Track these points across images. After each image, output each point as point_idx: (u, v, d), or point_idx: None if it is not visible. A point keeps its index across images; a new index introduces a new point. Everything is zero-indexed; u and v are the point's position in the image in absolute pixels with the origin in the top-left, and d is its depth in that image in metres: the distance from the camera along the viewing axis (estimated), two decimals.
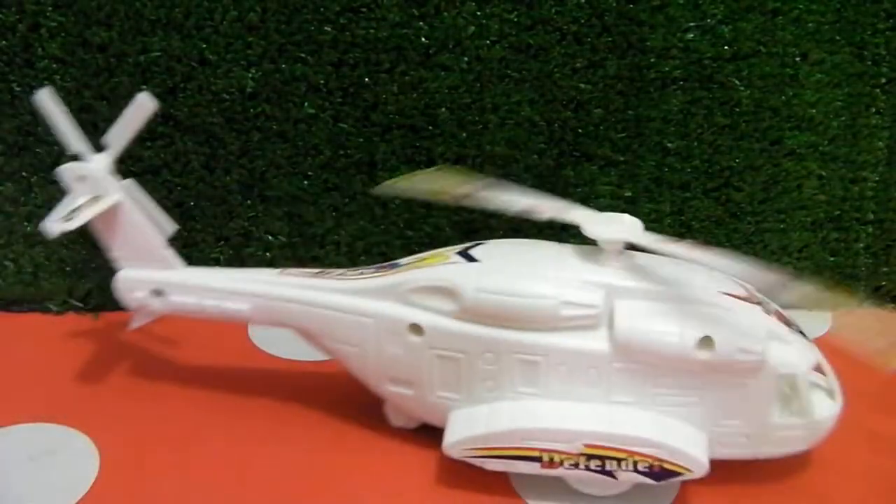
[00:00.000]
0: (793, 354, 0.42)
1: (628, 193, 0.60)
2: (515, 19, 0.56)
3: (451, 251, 0.46)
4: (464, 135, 0.59)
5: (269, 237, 0.62)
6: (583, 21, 0.56)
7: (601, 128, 0.59)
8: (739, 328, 0.41)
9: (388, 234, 0.62)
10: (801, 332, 0.45)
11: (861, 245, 0.63)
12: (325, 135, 0.59)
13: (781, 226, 0.62)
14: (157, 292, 0.50)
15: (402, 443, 0.50)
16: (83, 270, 0.63)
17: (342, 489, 0.47)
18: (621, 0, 0.56)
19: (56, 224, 0.47)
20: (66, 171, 0.49)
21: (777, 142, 0.60)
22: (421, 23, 0.56)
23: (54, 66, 0.57)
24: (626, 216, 0.45)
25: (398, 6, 0.56)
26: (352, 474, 0.48)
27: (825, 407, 0.44)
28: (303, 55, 0.57)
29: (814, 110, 0.59)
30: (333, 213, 0.61)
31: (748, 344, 0.41)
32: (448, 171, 0.49)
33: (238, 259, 0.62)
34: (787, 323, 0.44)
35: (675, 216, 0.61)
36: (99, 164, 0.49)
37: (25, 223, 0.62)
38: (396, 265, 0.47)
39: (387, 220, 0.62)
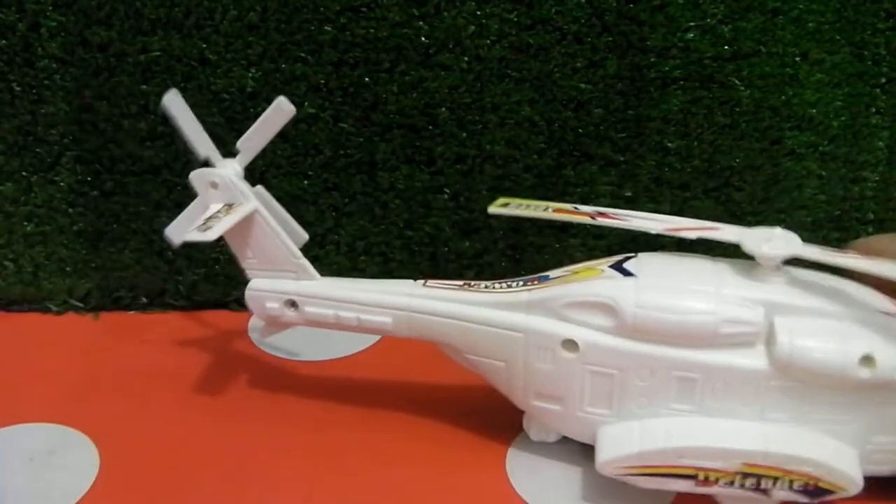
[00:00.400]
0: None
1: (628, 193, 0.60)
2: (515, 19, 0.56)
3: (603, 264, 0.45)
4: (464, 135, 0.59)
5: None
6: (583, 21, 0.56)
7: (601, 128, 0.59)
8: None
9: (388, 234, 0.62)
10: None
11: None
12: (325, 135, 0.59)
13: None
14: (292, 303, 0.49)
15: (402, 443, 0.49)
16: (83, 270, 0.63)
17: (342, 489, 0.47)
18: (621, 0, 0.56)
19: (191, 233, 0.45)
20: (197, 177, 0.48)
21: (777, 142, 0.60)
22: (421, 23, 0.56)
23: (54, 65, 0.57)
24: (779, 230, 0.44)
25: (398, 6, 0.56)
26: (352, 474, 0.47)
27: None
28: (303, 55, 0.57)
29: (814, 110, 0.59)
30: (333, 213, 0.61)
31: None
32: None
33: None
34: None
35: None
36: (231, 170, 0.48)
37: (25, 223, 0.62)
38: (546, 278, 0.46)
39: (387, 220, 0.62)
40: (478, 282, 0.47)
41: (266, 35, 0.57)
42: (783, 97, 0.58)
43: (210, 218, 0.46)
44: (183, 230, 0.48)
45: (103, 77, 0.57)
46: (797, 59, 0.58)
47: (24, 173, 0.60)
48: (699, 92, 0.58)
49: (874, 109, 0.60)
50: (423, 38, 0.56)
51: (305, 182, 0.60)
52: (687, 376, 0.42)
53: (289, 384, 0.55)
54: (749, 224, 0.62)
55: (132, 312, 0.64)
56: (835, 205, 0.62)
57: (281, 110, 0.47)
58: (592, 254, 0.62)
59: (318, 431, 0.51)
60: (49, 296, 0.64)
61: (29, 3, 0.56)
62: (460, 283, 0.47)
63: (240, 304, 0.64)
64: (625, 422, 0.43)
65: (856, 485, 0.41)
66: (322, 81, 0.58)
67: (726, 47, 0.57)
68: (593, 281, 0.44)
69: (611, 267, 0.44)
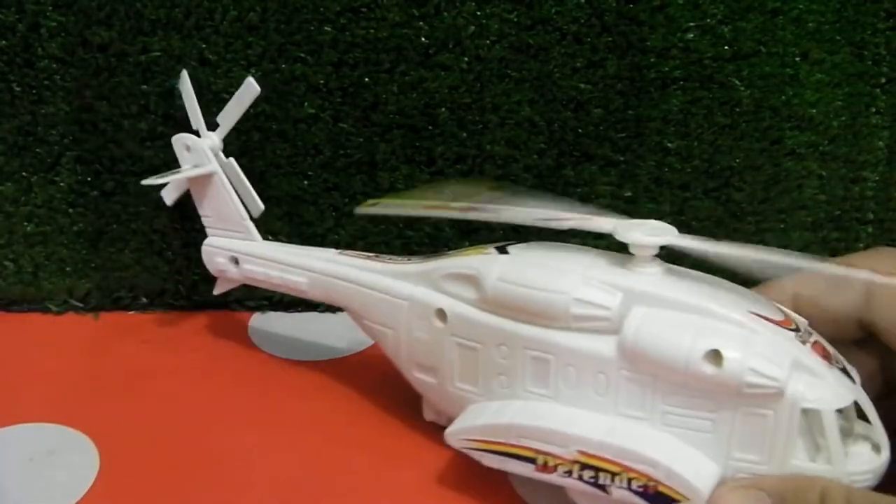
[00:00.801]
0: (822, 390, 0.38)
1: (628, 193, 0.60)
2: (515, 19, 0.56)
3: (492, 245, 0.46)
4: (464, 135, 0.59)
5: (269, 237, 0.62)
6: (583, 21, 0.56)
7: (601, 128, 0.59)
8: (758, 349, 0.37)
9: (388, 234, 0.62)
10: (846, 371, 0.40)
11: (861, 245, 0.63)
12: (325, 135, 0.59)
13: (782, 226, 0.62)
14: (235, 260, 0.55)
15: (402, 443, 0.49)
16: (83, 270, 0.63)
17: (342, 488, 0.47)
18: (621, 0, 0.56)
19: (150, 179, 0.53)
20: (176, 140, 0.55)
21: (777, 142, 0.60)
22: (421, 23, 0.56)
23: (54, 66, 0.57)
24: (656, 221, 0.43)
25: (398, 6, 0.56)
26: (352, 473, 0.47)
27: (864, 459, 0.39)
28: (303, 55, 0.57)
29: (814, 110, 0.59)
30: (333, 213, 0.61)
31: (762, 366, 0.37)
32: (445, 185, 0.51)
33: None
34: (828, 357, 0.39)
35: (675, 216, 0.61)
36: (205, 140, 0.54)
37: (25, 223, 0.62)
38: (441, 254, 0.48)
39: (387, 220, 0.62)
40: (387, 255, 0.51)
41: (266, 35, 0.57)
42: (783, 97, 0.58)
43: (172, 171, 0.54)
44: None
45: (103, 77, 0.57)
46: (797, 59, 0.58)
47: (24, 173, 0.60)
48: (699, 92, 0.58)
49: (874, 109, 0.60)
50: (423, 38, 0.56)
51: (305, 182, 0.60)
52: (541, 356, 0.42)
53: (289, 384, 0.55)
54: (749, 224, 0.62)
55: (132, 312, 0.64)
56: (835, 205, 0.62)
57: (249, 88, 0.53)
58: None
59: (318, 431, 0.51)
60: (49, 296, 0.64)
61: (29, 3, 0.56)
62: (370, 254, 0.51)
63: (240, 304, 0.64)
64: (491, 401, 0.44)
65: (700, 497, 0.38)
66: (322, 81, 0.58)
67: (726, 47, 0.57)
68: (472, 257, 0.45)
69: (495, 247, 0.45)
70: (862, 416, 0.39)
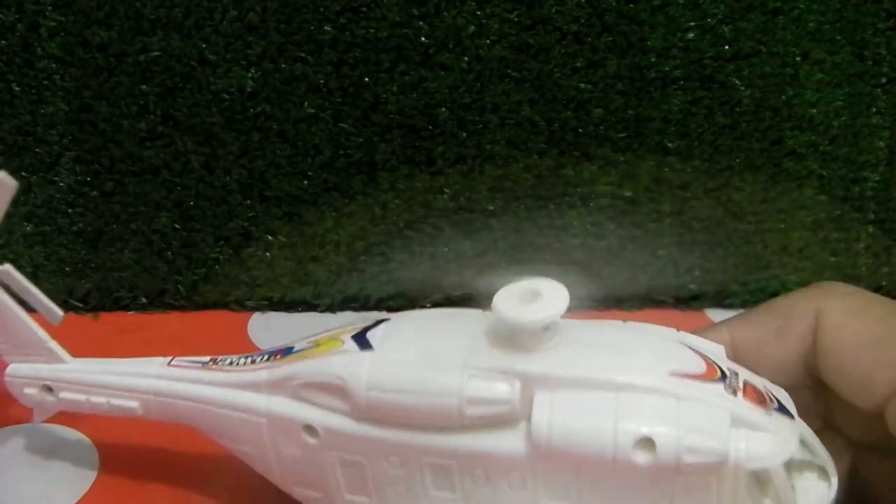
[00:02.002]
0: (766, 444, 0.33)
1: (628, 193, 0.60)
2: (515, 19, 0.56)
3: (346, 333, 0.38)
4: (464, 135, 0.59)
5: (269, 237, 0.62)
6: (583, 21, 0.56)
7: (601, 128, 0.59)
8: (691, 421, 0.32)
9: (388, 234, 0.62)
10: (781, 406, 0.36)
11: (861, 245, 0.63)
12: (325, 135, 0.59)
13: (782, 226, 0.62)
14: (48, 388, 0.45)
15: None
16: (83, 270, 0.63)
17: None
18: (621, 0, 0.56)
19: None
20: None
21: (777, 142, 0.60)
22: (421, 23, 0.56)
23: (54, 66, 0.57)
24: (549, 283, 0.36)
25: (398, 6, 0.56)
26: None
27: (815, 495, 0.35)
28: (303, 55, 0.57)
29: (814, 110, 0.59)
30: (333, 213, 0.61)
31: (701, 442, 0.32)
32: None
33: (238, 259, 0.62)
34: (763, 401, 0.35)
35: (675, 216, 0.61)
36: None
37: (25, 223, 0.62)
38: (290, 351, 0.40)
39: (387, 220, 0.61)
40: (224, 356, 0.42)
41: (266, 35, 0.57)
42: (783, 97, 0.58)
43: None
44: None
45: (103, 77, 0.57)
46: (797, 59, 0.58)
47: (23, 173, 0.60)
48: (699, 92, 0.58)
49: (874, 109, 0.60)
50: (423, 38, 0.56)
51: (305, 182, 0.60)
52: (440, 463, 0.35)
53: None
54: (749, 224, 0.62)
55: (132, 312, 0.64)
56: (835, 205, 0.62)
57: (4, 185, 0.45)
58: (592, 254, 0.62)
59: None
60: (49, 296, 0.63)
61: (29, 3, 0.56)
62: (206, 359, 0.43)
63: (240, 304, 0.64)
64: None
65: None
66: (322, 81, 0.58)
67: (726, 47, 0.57)
68: (329, 356, 0.37)
69: (352, 337, 0.38)
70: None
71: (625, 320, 0.39)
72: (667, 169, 0.60)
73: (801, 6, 0.56)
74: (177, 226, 0.61)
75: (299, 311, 0.64)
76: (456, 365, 0.34)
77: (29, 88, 0.58)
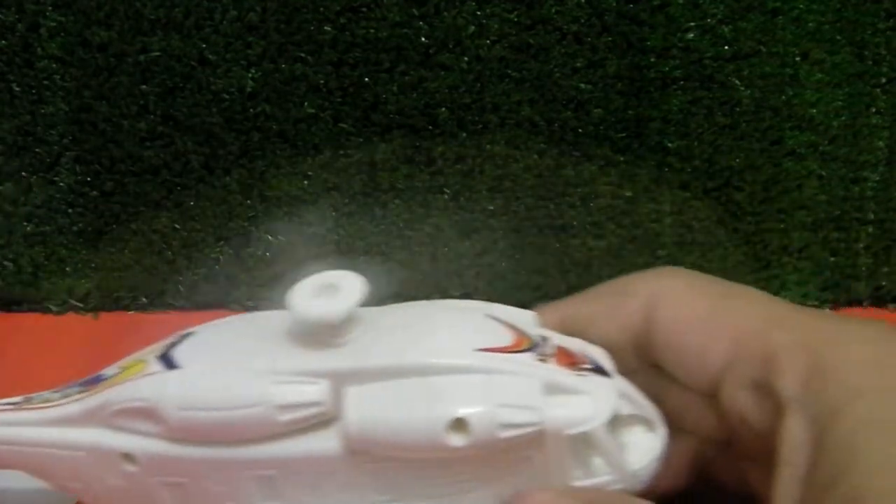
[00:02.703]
0: (583, 407, 0.33)
1: (628, 193, 0.60)
2: (515, 19, 0.56)
3: (152, 353, 0.37)
4: (464, 135, 0.59)
5: (269, 237, 0.62)
6: (583, 21, 0.56)
7: (601, 128, 0.59)
8: (502, 395, 0.32)
9: (388, 234, 0.62)
10: (597, 366, 0.35)
11: (861, 245, 0.63)
12: (325, 135, 0.59)
13: (781, 226, 0.62)
14: None
15: None
16: (83, 270, 0.63)
17: None
18: (621, 0, 0.56)
19: None
20: None
21: (777, 142, 0.60)
22: (421, 23, 0.56)
23: (54, 66, 0.57)
24: (343, 273, 0.35)
25: (398, 6, 0.56)
26: None
27: (643, 447, 0.35)
28: (303, 55, 0.57)
29: (814, 110, 0.59)
30: (333, 213, 0.61)
31: (514, 415, 0.32)
32: None
33: (238, 259, 0.62)
34: (575, 363, 0.34)
35: (675, 216, 0.61)
36: None
37: (25, 223, 0.62)
38: (101, 378, 0.39)
39: (387, 220, 0.61)
40: (39, 393, 0.41)
41: (266, 35, 0.57)
42: (783, 97, 0.58)
43: None
44: None
45: (103, 77, 0.57)
46: (797, 59, 0.58)
47: (23, 173, 0.60)
48: (699, 92, 0.58)
49: (874, 109, 0.60)
50: (423, 38, 0.56)
51: (305, 182, 0.60)
52: (262, 475, 0.34)
53: None
54: (749, 224, 0.62)
55: (132, 312, 0.64)
56: (835, 205, 0.62)
57: None
58: (591, 254, 0.62)
59: None
60: (49, 296, 0.64)
61: (28, 3, 0.56)
62: (18, 399, 0.40)
63: (240, 305, 0.64)
64: None
65: None
66: (322, 81, 0.58)
67: (726, 47, 0.57)
68: (136, 381, 0.36)
69: (157, 357, 0.36)
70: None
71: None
72: (667, 169, 0.60)
73: (801, 6, 0.56)
74: (177, 226, 0.61)
75: None
76: (261, 373, 0.33)
77: (29, 88, 0.58)
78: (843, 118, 0.59)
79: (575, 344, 0.35)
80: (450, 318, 0.35)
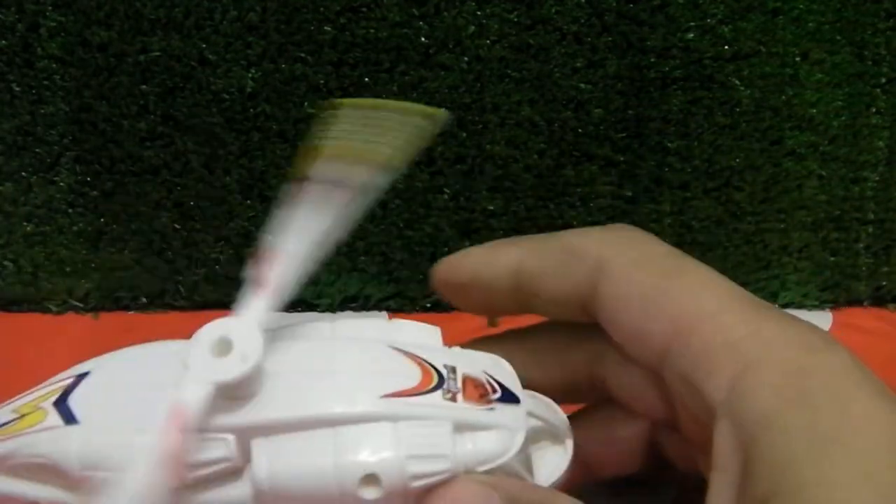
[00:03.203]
0: (493, 442, 0.32)
1: (628, 193, 0.60)
2: (515, 19, 0.56)
3: (48, 399, 0.36)
4: (464, 135, 0.59)
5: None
6: (583, 21, 0.56)
7: (601, 128, 0.59)
8: (411, 445, 0.31)
9: (388, 234, 0.62)
10: (504, 392, 0.34)
11: (861, 245, 0.63)
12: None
13: (782, 225, 0.62)
14: None
15: None
16: (83, 270, 0.63)
17: None
18: (621, 0, 0.56)
19: None
20: None
21: (777, 142, 0.60)
22: (421, 23, 0.56)
23: (54, 66, 0.57)
24: (239, 323, 0.34)
25: (398, 6, 0.56)
26: None
27: (551, 464, 0.34)
28: (303, 55, 0.57)
29: (814, 110, 0.59)
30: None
31: (423, 466, 0.31)
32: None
33: (238, 259, 0.62)
34: (484, 394, 0.33)
35: (675, 216, 0.61)
36: None
37: (25, 223, 0.62)
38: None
39: (387, 221, 0.62)
40: None
41: (266, 35, 0.57)
42: (783, 97, 0.58)
43: None
44: None
45: (103, 77, 0.57)
46: (797, 59, 0.58)
47: (23, 173, 0.60)
48: (699, 92, 0.58)
49: (874, 109, 0.60)
50: (423, 38, 0.56)
51: None
52: None
53: None
54: (749, 224, 0.62)
55: (132, 312, 0.64)
56: (835, 205, 0.62)
57: None
58: None
59: None
60: (49, 296, 0.64)
61: (28, 3, 0.56)
62: None
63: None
64: None
65: None
66: (322, 81, 0.58)
67: (726, 47, 0.57)
68: (34, 434, 0.35)
69: (54, 405, 0.35)
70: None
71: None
72: (667, 169, 0.60)
73: (801, 6, 0.56)
74: (177, 226, 0.61)
75: (299, 311, 0.64)
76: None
77: (29, 88, 0.58)
78: (843, 118, 0.59)
79: (481, 366, 0.34)
80: (352, 359, 0.34)
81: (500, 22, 0.56)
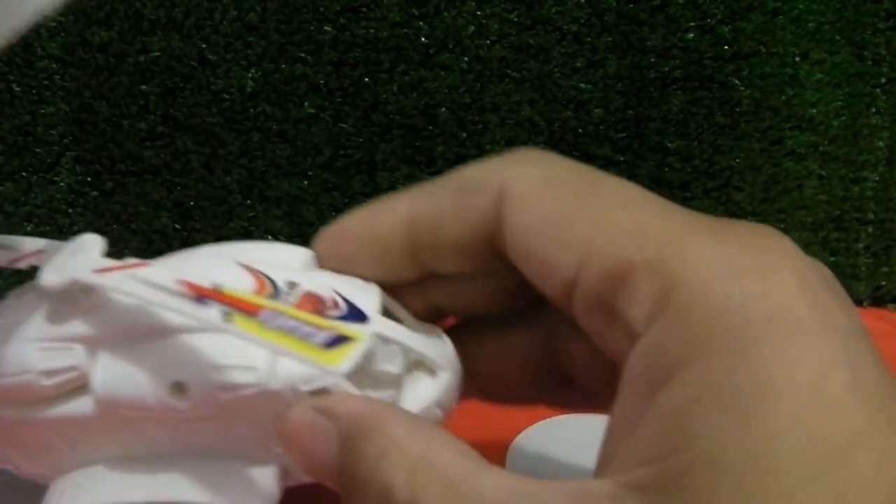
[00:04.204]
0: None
1: None
2: (515, 19, 0.56)
3: None
4: (464, 135, 0.59)
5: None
6: (583, 21, 0.56)
7: (601, 128, 0.59)
8: (225, 356, 0.31)
9: None
10: (351, 312, 0.33)
11: (861, 245, 0.63)
12: (325, 135, 0.59)
13: (782, 225, 0.62)
14: None
15: None
16: None
17: None
18: (621, 0, 0.56)
19: None
20: None
21: (777, 142, 0.60)
22: (421, 23, 0.56)
23: (54, 66, 0.57)
24: (89, 238, 0.35)
25: (398, 6, 0.56)
26: None
27: (420, 395, 0.33)
28: (303, 55, 0.57)
29: (814, 110, 0.59)
30: (333, 213, 0.61)
31: (231, 377, 0.31)
32: None
33: None
34: (320, 308, 0.32)
35: None
36: None
37: (26, 223, 0.62)
38: None
39: None
40: None
41: (266, 35, 0.57)
42: (783, 97, 0.58)
43: None
44: None
45: (103, 77, 0.57)
46: (797, 59, 0.58)
47: (24, 173, 0.60)
48: (699, 92, 0.58)
49: (874, 109, 0.60)
50: (423, 38, 0.56)
51: (305, 182, 0.60)
52: (57, 433, 0.34)
53: None
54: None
55: None
56: (835, 205, 0.62)
57: None
58: None
59: None
60: None
61: None
62: None
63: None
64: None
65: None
66: (322, 81, 0.58)
67: (726, 47, 0.57)
68: None
69: None
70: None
71: None
72: (667, 169, 0.60)
73: (801, 6, 0.56)
74: (177, 226, 0.61)
75: None
76: (26, 340, 0.34)
77: (29, 88, 0.58)
78: (843, 118, 0.59)
79: (331, 286, 0.33)
80: (191, 270, 0.33)
81: (500, 22, 0.56)
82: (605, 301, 0.27)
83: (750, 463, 0.22)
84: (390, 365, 0.32)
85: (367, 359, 0.32)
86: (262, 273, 0.33)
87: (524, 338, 0.34)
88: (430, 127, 0.59)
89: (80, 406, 0.34)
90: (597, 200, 0.28)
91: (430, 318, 0.35)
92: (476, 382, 0.35)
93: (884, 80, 0.59)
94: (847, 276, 0.64)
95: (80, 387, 0.33)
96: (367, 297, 0.33)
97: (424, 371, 0.34)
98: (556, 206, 0.28)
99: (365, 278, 0.34)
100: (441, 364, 0.33)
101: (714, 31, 0.56)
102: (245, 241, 0.36)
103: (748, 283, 0.25)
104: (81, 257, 0.34)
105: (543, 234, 0.28)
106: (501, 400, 0.37)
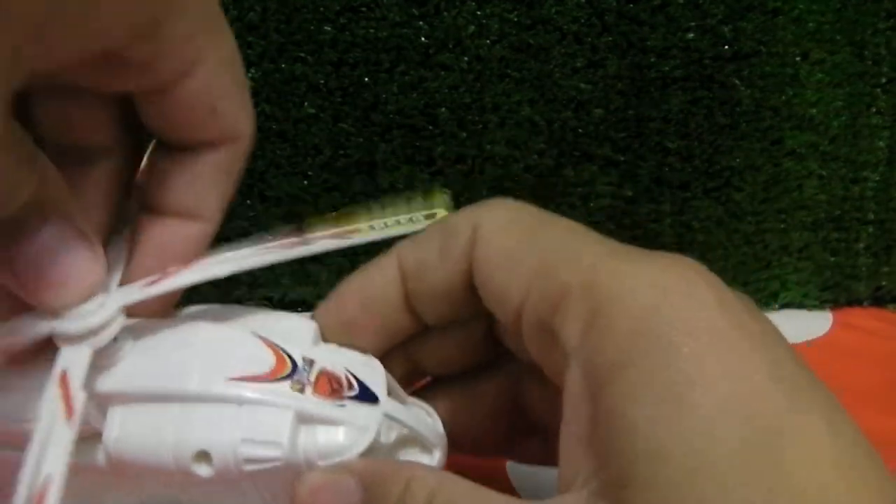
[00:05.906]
0: (338, 437, 0.33)
1: (628, 193, 0.60)
2: (515, 19, 0.56)
3: None
4: (464, 135, 0.59)
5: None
6: (583, 21, 0.56)
7: (601, 128, 0.59)
8: (248, 429, 0.32)
9: None
10: (363, 391, 0.34)
11: (861, 245, 0.63)
12: (324, 135, 0.59)
13: (782, 226, 0.62)
14: None
15: None
16: None
17: None
18: (621, 0, 0.56)
19: None
20: None
21: (777, 142, 0.60)
22: (421, 23, 0.56)
23: None
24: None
25: (398, 6, 0.56)
26: None
27: None
28: (302, 55, 0.57)
29: (814, 110, 0.59)
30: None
31: (256, 450, 0.32)
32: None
33: None
34: (337, 390, 0.34)
35: (675, 216, 0.61)
36: None
37: None
38: None
39: None
40: None
41: (266, 35, 0.57)
42: (783, 97, 0.58)
43: None
44: None
45: None
46: (797, 59, 0.58)
47: None
48: (699, 92, 0.58)
49: (874, 109, 0.60)
50: (423, 38, 0.56)
51: (305, 182, 0.60)
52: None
53: None
54: (749, 224, 0.62)
55: None
56: (835, 205, 0.62)
57: None
58: None
59: None
60: None
61: None
62: None
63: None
64: None
65: None
66: (322, 81, 0.58)
67: (726, 47, 0.57)
68: None
69: None
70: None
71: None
72: (667, 169, 0.60)
73: (801, 6, 0.56)
74: None
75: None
76: (34, 388, 0.33)
77: None
78: (843, 118, 0.59)
79: (344, 364, 0.35)
80: (211, 340, 0.34)
81: (500, 22, 0.56)
82: (546, 323, 0.30)
83: (687, 447, 0.25)
84: (386, 438, 0.34)
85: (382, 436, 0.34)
86: (280, 348, 0.34)
87: (491, 388, 0.38)
88: (430, 127, 0.59)
89: (92, 455, 0.34)
90: (544, 236, 0.32)
91: (410, 378, 0.38)
92: (447, 436, 0.37)
93: (884, 80, 0.59)
94: (847, 276, 0.64)
95: (92, 435, 0.33)
96: (375, 375, 0.35)
97: (418, 447, 0.36)
98: (510, 241, 0.32)
99: (364, 351, 0.36)
100: (435, 443, 0.36)
101: (714, 31, 0.56)
102: (250, 308, 0.38)
103: (671, 297, 0.28)
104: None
105: (499, 265, 0.32)
106: (471, 452, 0.39)
